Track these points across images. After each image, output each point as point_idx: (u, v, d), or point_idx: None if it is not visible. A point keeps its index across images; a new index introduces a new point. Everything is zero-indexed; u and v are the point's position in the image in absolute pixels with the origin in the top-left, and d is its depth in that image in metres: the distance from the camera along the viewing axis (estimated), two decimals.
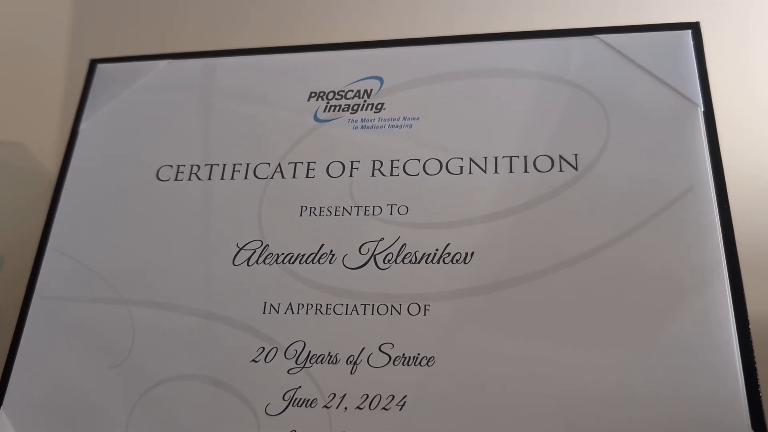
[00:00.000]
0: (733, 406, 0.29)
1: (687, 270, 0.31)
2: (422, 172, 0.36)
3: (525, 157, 0.35)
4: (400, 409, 0.31)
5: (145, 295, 0.35)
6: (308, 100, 0.39)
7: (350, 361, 0.32)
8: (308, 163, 0.37)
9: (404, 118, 0.37)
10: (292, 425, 0.31)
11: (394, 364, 0.32)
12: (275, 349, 0.33)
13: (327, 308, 0.33)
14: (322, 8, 0.56)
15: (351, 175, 0.36)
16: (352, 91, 0.39)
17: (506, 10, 0.53)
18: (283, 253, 0.35)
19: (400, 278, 0.33)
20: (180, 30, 0.57)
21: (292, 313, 0.33)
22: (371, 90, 0.39)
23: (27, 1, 0.60)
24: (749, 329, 0.30)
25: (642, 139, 0.35)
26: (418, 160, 0.36)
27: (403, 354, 0.32)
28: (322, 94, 0.39)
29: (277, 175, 0.37)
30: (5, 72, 0.56)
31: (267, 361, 0.33)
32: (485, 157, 0.36)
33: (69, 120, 0.41)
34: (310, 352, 0.32)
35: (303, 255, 0.35)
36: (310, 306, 0.33)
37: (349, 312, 0.33)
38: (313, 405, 0.31)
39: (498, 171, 0.35)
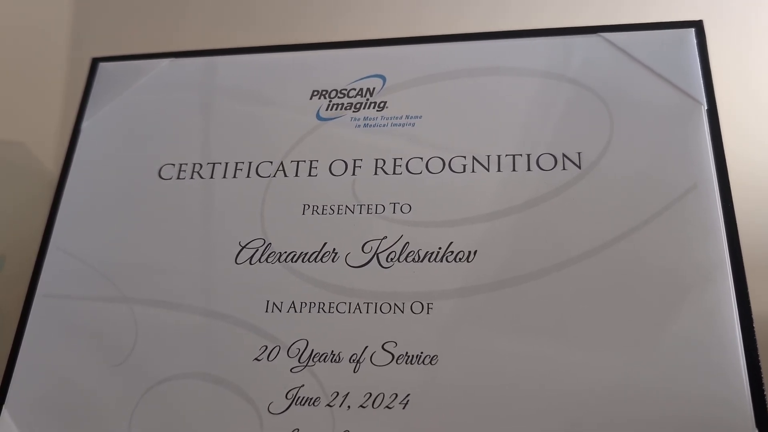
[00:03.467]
0: (737, 404, 0.29)
1: (691, 268, 0.31)
2: (425, 170, 0.36)
3: (528, 155, 0.35)
4: (404, 408, 0.31)
5: (148, 293, 0.35)
6: (311, 98, 0.39)
7: (353, 360, 0.32)
8: (311, 161, 0.37)
9: (407, 117, 0.37)
10: (295, 424, 0.31)
11: (397, 362, 0.31)
12: (278, 347, 0.33)
13: (330, 307, 0.33)
14: (325, 7, 0.56)
15: (354, 174, 0.36)
16: (355, 89, 0.39)
17: (509, 8, 0.53)
18: (285, 252, 0.35)
19: (403, 277, 0.33)
20: (182, 29, 0.57)
21: (295, 311, 0.33)
22: (374, 88, 0.39)
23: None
24: (753, 328, 0.30)
25: (645, 137, 0.34)
26: (421, 158, 0.36)
27: (406, 352, 0.32)
28: (324, 92, 0.39)
29: (280, 174, 0.37)
30: (7, 70, 0.56)
31: (270, 359, 0.33)
32: (488, 156, 0.35)
33: (71, 118, 0.41)
34: (312, 350, 0.32)
35: (305, 253, 0.34)
36: (312, 304, 0.33)
37: (351, 310, 0.33)
38: (316, 404, 0.31)
39: (501, 169, 0.35)
